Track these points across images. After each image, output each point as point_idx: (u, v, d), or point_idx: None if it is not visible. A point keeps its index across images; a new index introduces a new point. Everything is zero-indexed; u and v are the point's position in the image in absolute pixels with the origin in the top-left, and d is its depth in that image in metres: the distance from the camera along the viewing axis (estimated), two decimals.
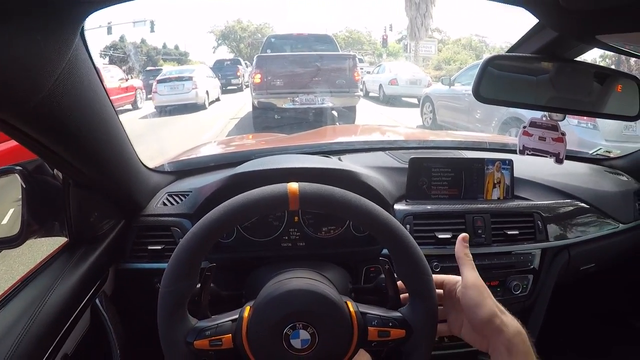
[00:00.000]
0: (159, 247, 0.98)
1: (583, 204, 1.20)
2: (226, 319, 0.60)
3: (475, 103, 5.83)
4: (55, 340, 0.72)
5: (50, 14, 0.48)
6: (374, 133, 2.19)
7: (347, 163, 1.10)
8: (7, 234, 0.80)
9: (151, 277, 0.95)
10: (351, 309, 0.60)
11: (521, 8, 0.63)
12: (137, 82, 12.24)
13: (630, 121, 1.17)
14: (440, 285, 0.65)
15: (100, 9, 0.55)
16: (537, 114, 0.95)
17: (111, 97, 0.77)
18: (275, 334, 0.57)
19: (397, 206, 1.07)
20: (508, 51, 0.88)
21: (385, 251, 0.96)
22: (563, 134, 0.94)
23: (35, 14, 0.46)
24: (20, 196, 0.79)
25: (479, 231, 1.06)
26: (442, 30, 30.81)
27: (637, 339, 1.47)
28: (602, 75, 0.85)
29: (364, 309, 0.61)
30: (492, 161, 1.14)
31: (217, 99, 12.03)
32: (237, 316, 0.60)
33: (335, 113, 6.94)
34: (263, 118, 6.70)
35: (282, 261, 0.82)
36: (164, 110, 10.01)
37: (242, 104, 10.24)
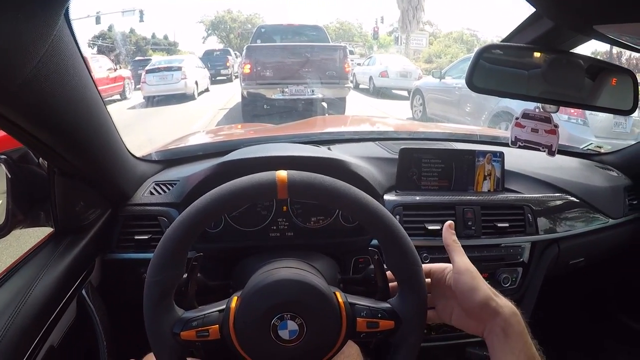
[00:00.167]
0: (146, 237, 0.97)
1: (573, 198, 1.21)
2: (213, 309, 0.59)
3: (466, 96, 5.87)
4: (41, 331, 0.71)
5: None
6: (364, 124, 2.18)
7: (337, 152, 1.09)
8: None
9: (138, 267, 0.94)
10: (340, 300, 0.59)
11: None
12: (125, 72, 12.05)
13: (623, 115, 1.17)
14: (428, 274, 0.65)
15: None
16: (530, 105, 0.94)
17: (99, 87, 0.75)
18: (263, 325, 0.56)
19: (386, 197, 1.06)
20: (503, 41, 0.86)
21: (374, 242, 0.96)
22: (556, 126, 0.93)
23: None
24: (5, 186, 0.77)
25: (469, 223, 1.05)
26: (434, 24, 31.00)
27: (623, 333, 1.50)
28: (597, 68, 0.84)
29: (353, 299, 0.60)
30: (483, 153, 1.13)
31: (207, 90, 11.95)
32: (224, 306, 0.59)
33: (325, 104, 6.93)
34: (252, 108, 6.65)
35: (270, 251, 0.81)
36: (153, 101, 9.91)
37: (231, 94, 10.20)
